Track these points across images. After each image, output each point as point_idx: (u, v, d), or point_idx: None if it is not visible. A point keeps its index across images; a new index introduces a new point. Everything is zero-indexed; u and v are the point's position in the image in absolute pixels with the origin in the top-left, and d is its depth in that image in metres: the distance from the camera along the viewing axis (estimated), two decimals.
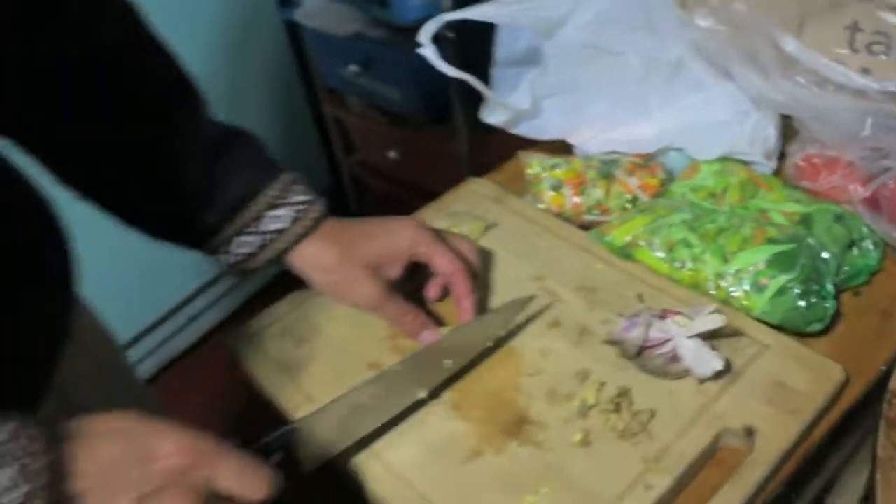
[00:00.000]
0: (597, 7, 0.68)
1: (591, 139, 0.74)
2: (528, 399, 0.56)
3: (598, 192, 0.69)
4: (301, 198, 0.57)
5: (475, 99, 0.73)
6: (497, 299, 0.64)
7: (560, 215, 0.70)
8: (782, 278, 0.57)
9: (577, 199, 0.70)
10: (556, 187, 0.70)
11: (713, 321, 0.52)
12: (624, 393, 0.55)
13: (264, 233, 0.56)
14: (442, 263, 0.58)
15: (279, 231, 0.56)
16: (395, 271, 0.58)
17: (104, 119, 0.52)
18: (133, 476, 0.38)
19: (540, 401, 0.56)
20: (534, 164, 0.72)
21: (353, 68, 1.09)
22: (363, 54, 1.04)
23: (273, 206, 0.56)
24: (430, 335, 0.58)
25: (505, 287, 0.64)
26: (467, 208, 0.72)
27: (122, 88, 0.52)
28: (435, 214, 0.72)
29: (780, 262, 0.58)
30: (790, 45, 0.64)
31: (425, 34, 0.64)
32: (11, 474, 0.34)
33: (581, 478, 0.50)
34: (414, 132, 1.10)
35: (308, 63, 1.27)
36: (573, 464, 0.51)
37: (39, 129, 0.50)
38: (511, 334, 0.60)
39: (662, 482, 0.50)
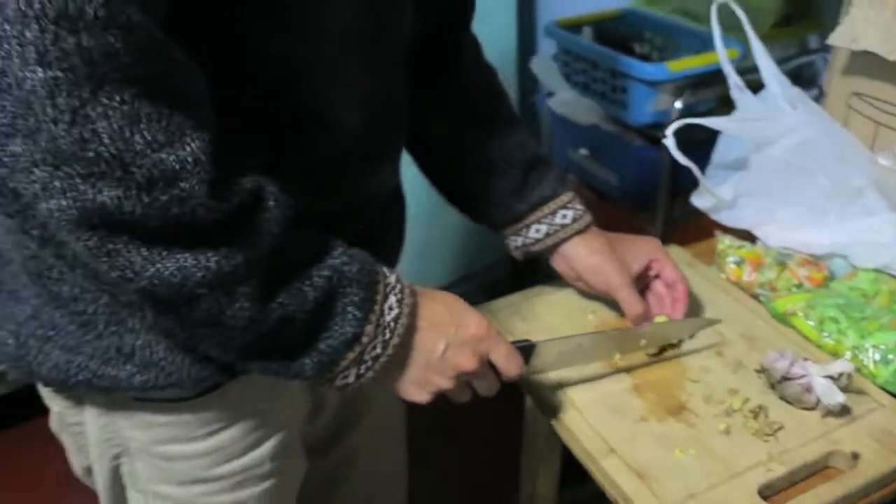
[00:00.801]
0: (803, 135, 0.88)
1: (773, 235, 0.93)
2: (689, 396, 0.75)
3: (771, 274, 0.89)
4: (580, 207, 0.81)
5: (677, 193, 0.95)
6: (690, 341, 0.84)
7: (737, 284, 0.90)
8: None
9: (753, 276, 0.89)
10: (739, 263, 0.90)
11: (843, 365, 0.70)
12: (763, 408, 0.73)
13: (553, 224, 0.80)
14: (671, 272, 0.79)
15: (563, 225, 0.80)
16: (636, 268, 0.80)
17: (463, 126, 0.79)
18: (450, 332, 0.61)
19: (697, 399, 0.75)
20: (725, 242, 0.92)
21: (583, 151, 1.34)
22: (596, 141, 1.29)
23: (563, 208, 0.80)
24: (646, 324, 0.79)
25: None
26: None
27: (479, 111, 0.79)
28: None
29: None
30: None
31: (670, 130, 0.87)
32: (393, 301, 0.58)
33: (719, 451, 0.69)
34: (616, 210, 1.33)
35: (540, 141, 1.55)
36: (715, 442, 0.70)
37: (418, 131, 0.77)
38: (686, 352, 0.80)
39: (779, 471, 0.67)
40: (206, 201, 0.47)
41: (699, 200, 0.96)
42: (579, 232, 0.80)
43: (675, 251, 0.97)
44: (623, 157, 1.25)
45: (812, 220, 0.91)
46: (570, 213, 0.80)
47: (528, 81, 1.71)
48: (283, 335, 0.54)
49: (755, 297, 0.89)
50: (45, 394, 0.67)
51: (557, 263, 0.83)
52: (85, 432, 0.65)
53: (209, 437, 0.65)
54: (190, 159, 0.46)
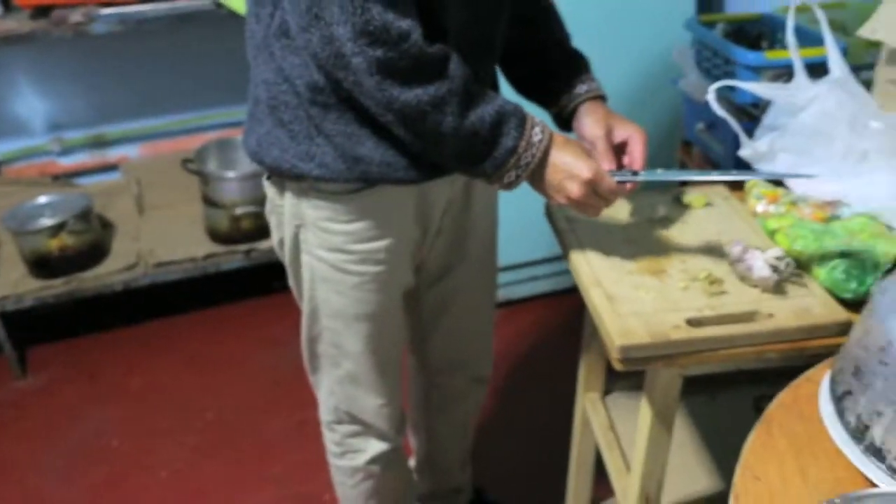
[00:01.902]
0: (823, 105, 1.14)
1: (797, 184, 1.19)
2: (672, 266, 1.06)
3: (782, 209, 1.15)
4: (596, 83, 1.16)
5: None
6: (692, 237, 1.14)
7: (753, 214, 1.17)
8: (842, 264, 0.99)
9: (768, 208, 1.16)
10: (759, 197, 1.18)
11: (776, 251, 0.98)
12: (719, 280, 1.02)
13: (586, 90, 1.14)
14: (638, 152, 1.08)
15: (589, 89, 1.14)
16: (617, 138, 1.10)
17: (524, 36, 1.17)
18: (568, 169, 0.98)
19: (676, 269, 1.05)
20: (754, 183, 1.20)
21: (701, 126, 1.62)
22: (712, 117, 1.57)
23: (587, 82, 1.15)
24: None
25: (698, 231, 1.15)
26: (709, 191, 1.23)
27: (536, 29, 1.17)
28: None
29: (850, 259, 1.00)
30: None
31: (712, 89, 1.16)
32: (538, 130, 0.98)
33: (672, 296, 1.00)
34: None
35: (679, 120, 1.83)
36: (672, 292, 1.01)
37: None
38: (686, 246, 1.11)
39: (708, 313, 0.97)
40: (424, 46, 0.90)
41: (743, 151, 1.23)
42: (593, 97, 1.14)
43: (718, 187, 1.25)
44: (727, 131, 1.51)
45: (828, 175, 1.16)
46: (593, 84, 1.15)
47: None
48: (473, 143, 0.96)
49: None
50: (266, 185, 1.14)
51: (577, 118, 1.14)
52: (283, 211, 1.12)
53: (349, 223, 1.08)
54: (411, 24, 0.89)
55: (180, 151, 2.48)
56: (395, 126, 0.96)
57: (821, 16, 1.27)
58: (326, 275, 1.13)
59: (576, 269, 1.08)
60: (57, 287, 2.22)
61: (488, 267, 1.37)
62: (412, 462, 1.61)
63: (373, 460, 1.33)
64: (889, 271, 0.80)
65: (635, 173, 1.05)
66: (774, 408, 0.85)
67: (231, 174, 2.29)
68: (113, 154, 2.53)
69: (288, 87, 1.01)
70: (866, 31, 1.14)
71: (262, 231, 2.37)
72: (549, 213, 1.22)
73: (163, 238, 2.38)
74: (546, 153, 1.00)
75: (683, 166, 1.85)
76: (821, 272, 1.02)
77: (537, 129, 0.99)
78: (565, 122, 1.18)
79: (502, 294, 2.33)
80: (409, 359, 1.45)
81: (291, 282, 1.21)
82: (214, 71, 2.48)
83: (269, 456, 1.96)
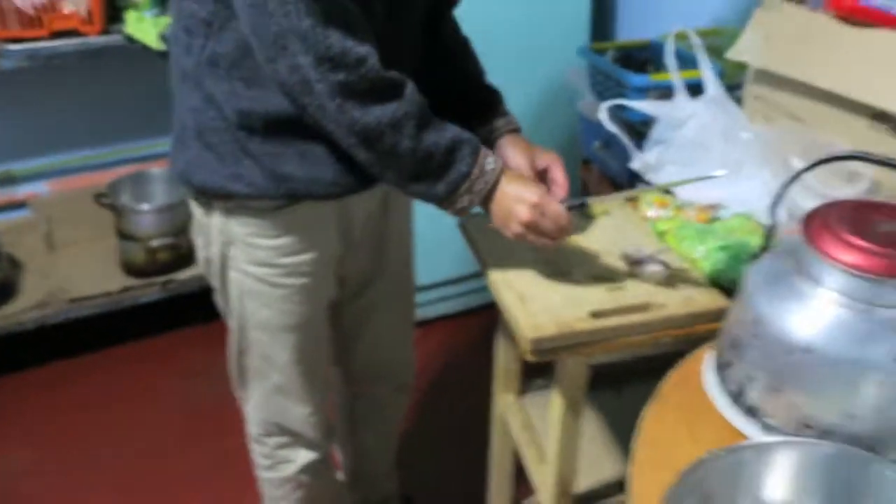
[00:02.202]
0: (700, 120, 1.27)
1: (682, 191, 1.32)
2: (576, 269, 1.16)
3: (669, 213, 1.28)
4: (513, 118, 1.26)
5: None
6: (592, 242, 1.25)
7: (644, 218, 1.29)
8: (722, 256, 1.12)
9: (657, 213, 1.28)
10: (650, 204, 1.30)
11: (665, 249, 1.10)
12: (621, 275, 1.13)
13: (503, 122, 1.23)
14: (559, 175, 1.17)
15: (507, 122, 1.23)
16: (540, 165, 1.19)
17: (441, 69, 1.25)
18: (518, 189, 1.05)
19: (581, 271, 1.16)
20: (645, 192, 1.32)
21: (597, 144, 1.76)
22: (604, 136, 1.70)
23: (504, 116, 1.24)
24: None
25: (597, 237, 1.26)
26: (608, 201, 1.35)
27: (446, 55, 1.26)
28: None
29: (725, 249, 1.12)
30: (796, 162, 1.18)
31: (603, 108, 1.29)
32: (491, 160, 1.05)
33: (578, 294, 1.10)
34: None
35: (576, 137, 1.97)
36: (578, 291, 1.11)
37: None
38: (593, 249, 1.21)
39: (609, 305, 1.07)
40: (380, 70, 0.98)
41: (634, 164, 1.36)
42: (510, 131, 1.24)
43: (616, 196, 1.37)
44: (621, 147, 1.65)
45: (708, 182, 1.29)
46: (509, 118, 1.25)
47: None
48: (428, 165, 1.03)
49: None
50: (193, 206, 1.19)
51: (498, 149, 1.23)
52: (210, 230, 1.17)
53: (276, 238, 1.14)
54: (368, 50, 0.97)
55: (91, 187, 2.45)
56: (356, 149, 1.02)
57: (696, 42, 1.43)
58: (254, 288, 1.18)
59: (489, 274, 1.17)
60: None
61: (406, 279, 1.45)
62: (340, 475, 1.66)
63: (302, 470, 1.37)
64: (756, 257, 0.92)
65: (583, 203, 1.15)
66: (666, 384, 0.96)
67: (146, 206, 2.30)
68: (21, 191, 2.48)
69: (216, 113, 1.07)
70: (733, 54, 1.29)
71: (180, 262, 2.38)
72: (463, 227, 1.31)
73: (75, 274, 2.35)
74: (497, 181, 1.07)
75: (584, 183, 1.99)
76: (704, 265, 1.14)
77: (490, 159, 1.07)
78: None
79: (418, 314, 2.40)
80: (334, 371, 1.50)
81: (219, 298, 1.25)
82: (125, 105, 2.49)
83: (191, 488, 1.95)
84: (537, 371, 1.19)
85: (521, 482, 1.58)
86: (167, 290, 2.36)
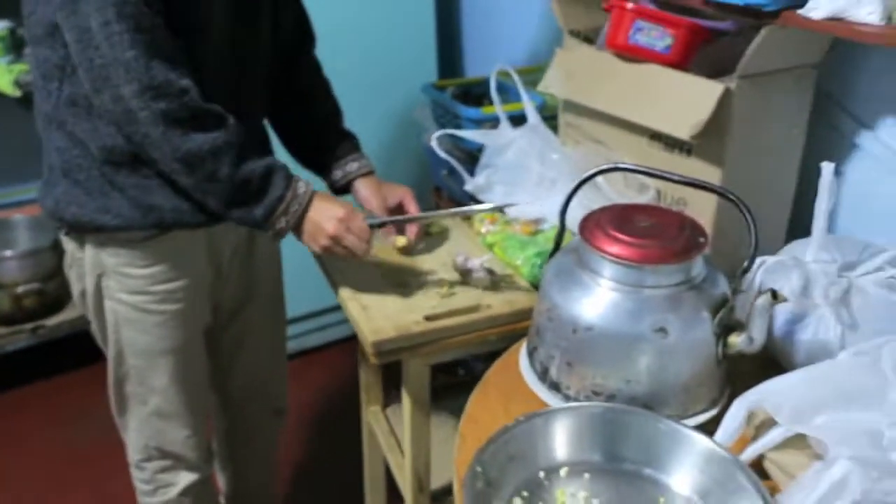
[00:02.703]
0: (520, 145, 1.46)
1: (510, 209, 1.49)
2: (413, 280, 1.31)
3: (497, 227, 1.45)
4: (367, 160, 1.40)
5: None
6: (430, 257, 1.40)
7: (477, 233, 1.46)
8: (538, 261, 1.29)
9: (488, 227, 1.45)
10: (482, 220, 1.47)
11: (488, 257, 1.26)
12: (451, 283, 1.28)
13: (354, 166, 1.38)
14: (412, 207, 1.35)
15: (360, 167, 1.38)
16: (392, 202, 1.36)
17: (299, 111, 1.39)
18: (327, 207, 1.18)
19: (417, 282, 1.30)
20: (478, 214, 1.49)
21: (444, 172, 1.93)
22: (449, 165, 1.87)
23: (358, 160, 1.39)
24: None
25: (435, 252, 1.41)
26: (448, 221, 1.50)
27: (303, 97, 1.39)
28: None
29: (541, 255, 1.30)
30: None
31: (433, 137, 1.45)
32: (302, 184, 1.17)
33: (414, 301, 1.25)
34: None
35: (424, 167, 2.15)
36: (415, 299, 1.25)
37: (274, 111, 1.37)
38: (427, 259, 1.36)
39: (441, 309, 1.22)
40: (201, 101, 1.08)
41: (468, 186, 1.53)
42: (364, 174, 1.39)
43: (455, 218, 1.54)
44: (459, 178, 1.82)
45: (532, 200, 1.47)
46: (363, 161, 1.40)
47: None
48: (246, 190, 1.13)
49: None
50: (65, 241, 1.26)
51: (354, 191, 1.39)
52: (83, 263, 1.24)
53: (148, 267, 1.23)
54: (189, 83, 1.07)
55: None
56: (178, 175, 1.12)
57: (516, 78, 1.62)
58: (130, 316, 1.26)
59: (338, 291, 1.30)
60: None
61: (277, 305, 1.55)
62: (221, 501, 1.72)
63: (184, 492, 1.44)
64: (551, 256, 1.08)
65: (383, 222, 1.29)
66: (490, 372, 1.11)
67: (9, 253, 2.30)
68: None
69: (80, 150, 1.15)
70: (542, 87, 1.48)
71: (48, 308, 2.38)
72: (316, 255, 1.43)
73: None
74: (310, 202, 1.19)
75: (437, 207, 2.16)
76: (524, 270, 1.31)
77: (301, 184, 1.19)
78: (337, 192, 1.42)
79: (291, 346, 2.49)
80: (212, 397, 1.58)
81: (96, 330, 1.32)
82: None
83: None
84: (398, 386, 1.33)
85: (394, 498, 1.70)
86: (37, 337, 2.35)
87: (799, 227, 1.27)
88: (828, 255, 1.05)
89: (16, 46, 2.25)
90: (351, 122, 1.49)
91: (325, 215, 1.19)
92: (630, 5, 1.24)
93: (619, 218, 1.01)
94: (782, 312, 1.03)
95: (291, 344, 2.42)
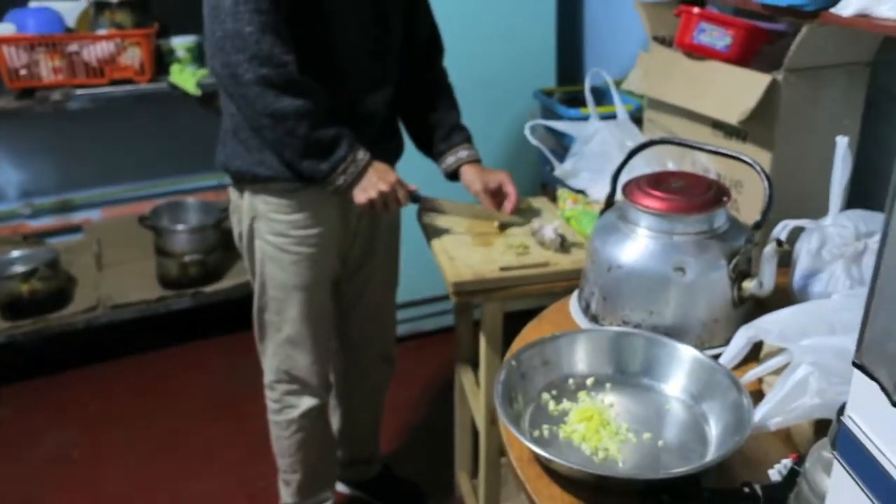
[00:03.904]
0: (602, 136, 1.66)
1: (594, 191, 1.69)
2: (498, 242, 1.53)
3: (579, 206, 1.65)
4: (474, 149, 1.66)
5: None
6: (516, 227, 1.62)
7: (561, 210, 1.67)
8: None
9: (571, 206, 1.66)
10: (565, 199, 1.67)
11: (558, 223, 1.47)
12: (527, 246, 1.50)
13: (464, 153, 1.64)
14: (510, 189, 1.59)
15: (468, 154, 1.64)
16: (492, 185, 1.60)
17: (424, 109, 1.67)
18: (384, 170, 1.48)
19: (501, 243, 1.53)
20: (564, 190, 1.70)
21: (548, 168, 2.14)
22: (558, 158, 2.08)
23: (466, 148, 1.64)
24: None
25: (522, 221, 1.63)
26: (533, 201, 1.72)
27: (427, 95, 1.68)
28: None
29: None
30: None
31: (527, 126, 1.67)
32: (362, 152, 1.46)
33: (494, 256, 1.48)
34: None
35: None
36: (495, 254, 1.48)
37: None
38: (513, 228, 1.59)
39: (515, 263, 1.44)
40: (296, 75, 1.37)
41: (557, 171, 1.74)
42: (471, 161, 1.64)
43: (541, 198, 1.75)
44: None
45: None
46: (472, 151, 1.65)
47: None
48: (316, 148, 1.41)
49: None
50: (231, 191, 1.59)
51: (462, 174, 1.64)
52: (242, 209, 1.57)
53: (290, 214, 1.53)
54: (290, 57, 1.36)
55: (136, 214, 2.90)
56: (264, 129, 1.40)
57: (610, 82, 1.82)
58: (272, 254, 1.57)
59: (432, 245, 1.56)
60: (26, 326, 2.57)
61: (393, 266, 1.83)
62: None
63: (304, 415, 1.73)
64: (601, 213, 1.27)
65: (420, 196, 1.57)
66: (548, 310, 1.32)
67: (181, 227, 2.73)
68: (77, 217, 2.94)
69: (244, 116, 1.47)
70: (624, 85, 1.67)
71: (207, 277, 2.79)
72: (419, 218, 1.69)
73: (119, 285, 2.77)
74: (366, 167, 1.46)
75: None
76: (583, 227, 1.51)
77: (361, 152, 1.46)
78: (449, 176, 1.68)
79: (411, 327, 2.76)
80: (334, 341, 1.86)
81: (247, 264, 1.65)
82: (166, 145, 2.95)
83: (212, 454, 2.32)
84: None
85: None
86: (196, 300, 2.76)
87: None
88: (850, 223, 1.18)
89: (200, 56, 2.69)
90: (474, 121, 1.76)
91: (384, 177, 1.47)
92: (696, 10, 1.42)
93: (655, 180, 1.19)
94: (800, 269, 1.18)
95: (406, 326, 2.70)
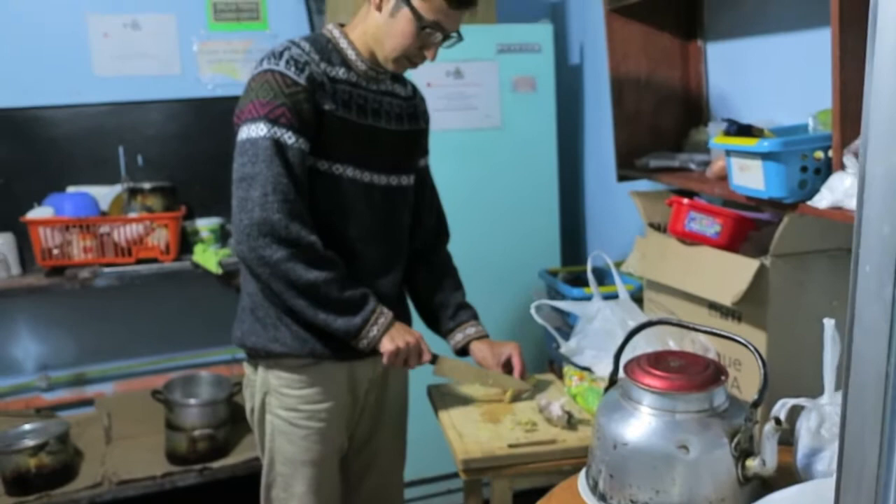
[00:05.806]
0: (604, 314, 1.73)
1: (598, 368, 1.74)
2: (506, 418, 1.57)
3: (585, 383, 1.69)
4: (481, 326, 1.73)
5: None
6: (522, 401, 1.66)
7: (567, 387, 1.71)
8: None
9: (577, 382, 1.70)
10: (571, 377, 1.72)
11: (564, 401, 1.51)
12: (534, 423, 1.54)
13: (471, 330, 1.71)
14: (518, 362, 1.65)
15: (476, 331, 1.71)
16: (503, 358, 1.66)
17: (430, 289, 1.77)
18: (408, 329, 1.55)
19: (508, 420, 1.56)
20: (570, 368, 1.75)
21: (554, 345, 2.21)
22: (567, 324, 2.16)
23: (474, 325, 1.71)
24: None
25: (526, 398, 1.67)
26: (541, 377, 1.77)
27: (434, 277, 1.77)
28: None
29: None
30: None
31: (532, 306, 1.76)
32: (386, 308, 1.54)
33: (502, 433, 1.51)
34: None
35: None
36: (503, 430, 1.51)
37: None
38: (519, 401, 1.63)
39: (523, 440, 1.47)
40: (321, 249, 1.48)
41: (562, 349, 1.80)
42: (480, 337, 1.70)
43: (548, 374, 1.80)
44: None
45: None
46: (479, 327, 1.72)
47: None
48: (349, 305, 1.50)
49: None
50: (245, 366, 1.65)
51: (472, 350, 1.71)
52: (255, 383, 1.62)
53: (301, 389, 1.58)
54: (315, 237, 1.47)
55: (149, 388, 2.94)
56: (296, 298, 1.49)
57: (611, 264, 1.92)
58: (283, 428, 1.61)
59: (440, 417, 1.59)
60: (30, 503, 2.54)
61: (400, 438, 1.85)
62: None
63: None
64: (606, 390, 1.32)
65: (436, 356, 1.63)
66: (557, 488, 1.33)
67: (192, 401, 2.76)
68: (90, 390, 2.97)
69: (263, 295, 1.56)
70: (623, 268, 1.77)
71: (216, 452, 2.78)
72: (429, 393, 1.73)
73: (126, 460, 2.76)
74: (393, 321, 1.55)
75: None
76: (589, 404, 1.54)
77: (384, 308, 1.55)
78: (458, 353, 1.75)
79: None
80: None
81: (257, 439, 1.68)
82: (185, 319, 3.04)
83: None
84: None
85: None
86: (203, 477, 2.73)
87: None
88: None
89: (223, 236, 2.85)
90: (483, 299, 1.87)
91: (407, 332, 1.56)
92: (686, 201, 1.54)
93: (654, 359, 1.25)
94: (801, 447, 1.20)
95: None
